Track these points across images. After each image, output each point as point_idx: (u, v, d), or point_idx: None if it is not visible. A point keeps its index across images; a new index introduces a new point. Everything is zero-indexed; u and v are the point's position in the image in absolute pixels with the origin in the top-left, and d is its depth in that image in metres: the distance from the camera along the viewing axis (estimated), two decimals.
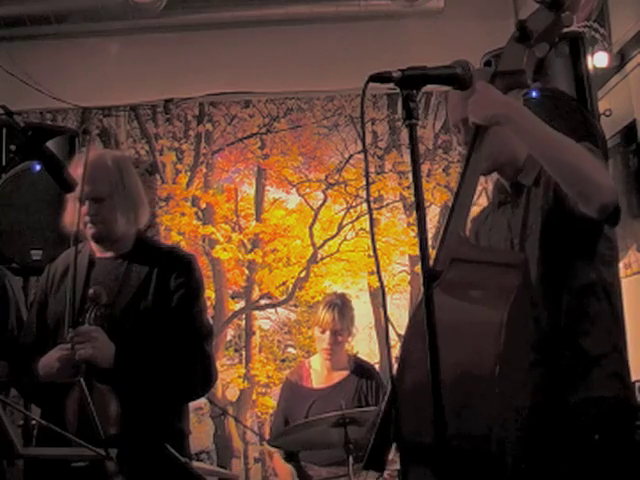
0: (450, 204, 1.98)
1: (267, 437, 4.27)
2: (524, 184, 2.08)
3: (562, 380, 1.89)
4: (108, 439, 2.17)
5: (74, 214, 2.51)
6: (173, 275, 2.50)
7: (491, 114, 1.89)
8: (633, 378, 3.31)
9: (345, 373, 3.80)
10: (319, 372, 3.84)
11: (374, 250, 1.71)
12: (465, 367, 1.70)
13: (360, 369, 3.82)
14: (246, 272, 4.92)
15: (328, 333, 3.73)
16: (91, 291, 2.34)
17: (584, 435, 1.88)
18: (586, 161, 1.84)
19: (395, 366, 1.96)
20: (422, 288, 1.58)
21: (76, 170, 2.41)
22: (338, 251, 4.91)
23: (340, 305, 3.78)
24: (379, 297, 4.71)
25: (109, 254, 2.55)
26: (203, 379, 2.50)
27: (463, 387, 1.68)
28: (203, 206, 4.98)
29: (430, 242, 1.64)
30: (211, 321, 2.84)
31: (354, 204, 4.94)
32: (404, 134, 4.84)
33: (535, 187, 2.06)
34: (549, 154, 1.86)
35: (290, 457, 3.75)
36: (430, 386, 1.52)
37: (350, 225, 4.93)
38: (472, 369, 1.71)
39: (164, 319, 2.44)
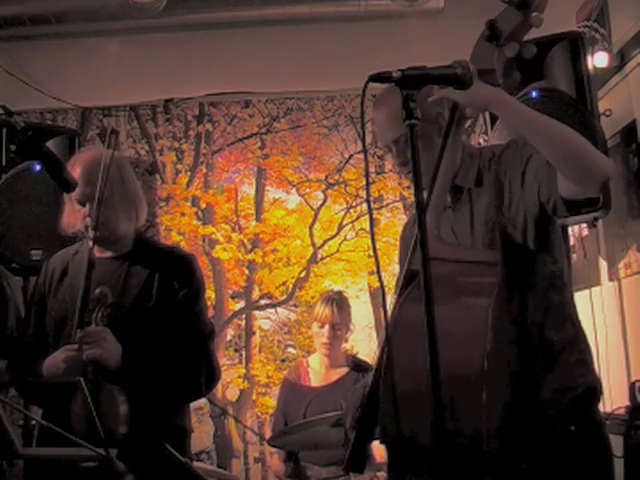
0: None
1: (267, 437, 4.27)
2: (463, 186, 2.08)
3: (534, 373, 1.90)
4: (118, 438, 2.18)
5: (71, 216, 2.51)
6: (175, 275, 2.51)
7: (483, 98, 1.89)
8: (633, 378, 3.33)
9: (343, 371, 3.81)
10: (317, 371, 3.85)
11: (374, 250, 1.71)
12: (452, 366, 1.69)
13: (358, 368, 3.82)
14: (246, 272, 4.92)
15: (327, 327, 3.75)
16: (97, 291, 2.34)
17: (559, 426, 1.89)
18: (580, 138, 1.83)
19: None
20: (421, 287, 1.57)
21: (73, 171, 2.41)
22: (338, 251, 4.91)
23: (338, 300, 3.82)
24: (379, 297, 4.71)
25: (108, 254, 2.54)
26: (207, 377, 2.51)
27: (451, 386, 1.68)
28: (203, 206, 4.97)
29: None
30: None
31: (354, 204, 4.94)
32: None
33: (477, 187, 2.06)
34: (544, 134, 1.84)
35: (289, 456, 3.75)
36: (416, 385, 1.52)
37: (350, 225, 4.93)
38: (459, 368, 1.71)
39: (167, 319, 2.45)
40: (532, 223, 1.97)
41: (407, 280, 1.93)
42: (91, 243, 2.50)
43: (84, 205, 2.45)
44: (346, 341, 3.91)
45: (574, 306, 2.05)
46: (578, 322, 2.04)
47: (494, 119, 3.57)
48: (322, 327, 3.77)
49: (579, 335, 2.02)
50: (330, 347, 3.77)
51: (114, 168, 2.51)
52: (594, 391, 2.00)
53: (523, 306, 1.93)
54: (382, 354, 1.92)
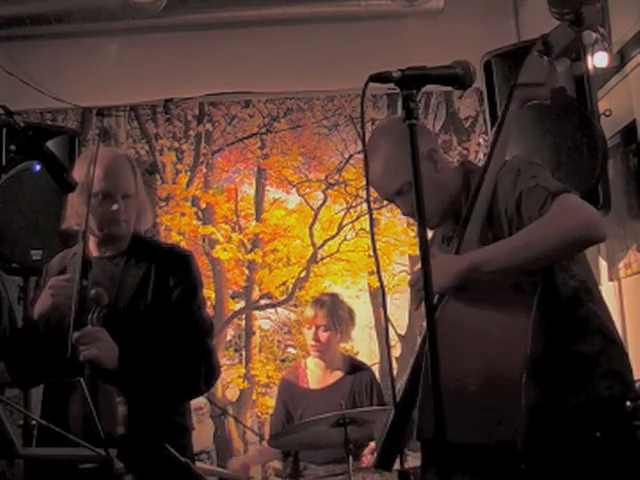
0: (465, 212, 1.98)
1: (267, 437, 4.27)
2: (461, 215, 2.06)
3: (562, 382, 1.90)
4: (116, 439, 2.17)
5: (79, 211, 2.47)
6: (171, 272, 2.49)
7: (455, 274, 1.87)
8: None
9: (340, 374, 3.80)
10: (314, 372, 3.85)
11: (374, 250, 1.72)
12: (493, 370, 1.73)
13: (355, 369, 3.82)
14: (246, 272, 4.92)
15: (313, 329, 3.76)
16: (93, 292, 2.34)
17: (586, 435, 1.89)
18: (564, 232, 1.85)
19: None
20: (422, 286, 1.57)
21: (98, 165, 2.40)
22: (338, 251, 4.91)
23: (328, 303, 3.81)
24: (379, 297, 4.71)
25: (107, 254, 2.54)
26: (206, 374, 2.49)
27: (491, 388, 1.70)
28: (203, 206, 4.97)
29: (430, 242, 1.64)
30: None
31: (354, 204, 4.94)
32: None
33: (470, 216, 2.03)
34: (531, 260, 1.86)
35: (287, 454, 3.75)
36: (458, 385, 1.52)
37: (350, 225, 4.93)
38: (500, 372, 1.74)
39: (164, 317, 2.44)
40: None
41: None
42: (95, 241, 2.50)
43: (111, 199, 2.43)
44: (345, 341, 3.90)
45: (603, 312, 2.02)
46: (610, 332, 2.01)
47: (494, 119, 3.57)
48: (309, 329, 3.79)
49: (610, 345, 1.99)
50: (318, 350, 3.77)
51: (134, 167, 2.53)
52: (625, 399, 1.98)
53: (549, 319, 1.92)
54: (420, 355, 1.91)
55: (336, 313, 3.80)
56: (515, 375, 1.71)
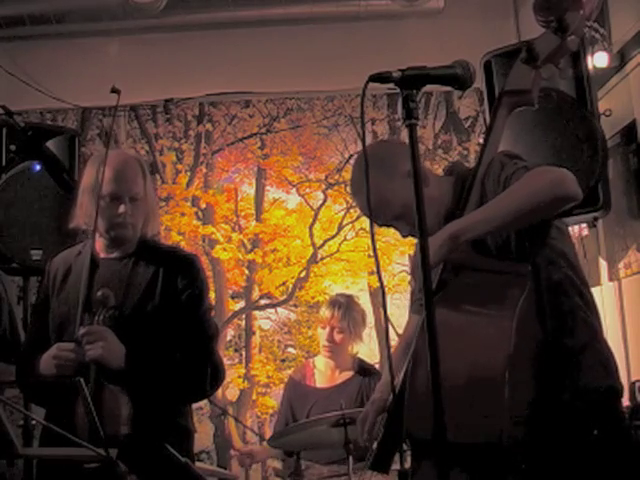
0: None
1: (267, 437, 4.27)
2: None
3: (555, 377, 1.91)
4: (120, 439, 2.17)
5: (88, 212, 2.47)
6: (179, 276, 2.50)
7: (440, 246, 1.89)
8: (633, 378, 3.33)
9: (349, 374, 3.80)
10: (323, 372, 3.85)
11: (374, 250, 1.72)
12: (477, 369, 1.74)
13: (363, 371, 3.82)
14: (246, 272, 4.92)
15: (327, 329, 3.76)
16: (99, 293, 2.32)
17: (580, 429, 1.90)
18: (536, 190, 1.89)
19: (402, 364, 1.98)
20: (422, 288, 1.58)
21: (108, 166, 2.40)
22: (338, 251, 4.91)
23: (344, 304, 3.80)
24: (379, 297, 4.71)
25: (113, 255, 2.53)
26: (212, 377, 2.49)
27: (474, 385, 1.70)
28: (203, 206, 4.98)
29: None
30: None
31: (354, 204, 4.94)
32: (404, 134, 4.84)
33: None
34: (507, 223, 1.91)
35: (290, 454, 3.75)
36: (444, 385, 1.53)
37: (350, 225, 4.93)
38: (483, 369, 1.75)
39: (172, 319, 2.44)
40: (518, 237, 1.99)
41: (437, 286, 1.94)
42: (103, 242, 2.49)
43: (119, 201, 2.43)
44: (356, 343, 3.89)
45: (590, 308, 2.04)
46: (595, 324, 2.03)
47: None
48: (324, 328, 3.78)
49: (596, 338, 2.02)
50: (330, 350, 3.76)
51: (145, 169, 2.52)
52: (615, 393, 2.00)
53: (535, 312, 1.94)
54: (414, 352, 1.93)
55: (351, 315, 3.80)
56: (499, 372, 1.72)
